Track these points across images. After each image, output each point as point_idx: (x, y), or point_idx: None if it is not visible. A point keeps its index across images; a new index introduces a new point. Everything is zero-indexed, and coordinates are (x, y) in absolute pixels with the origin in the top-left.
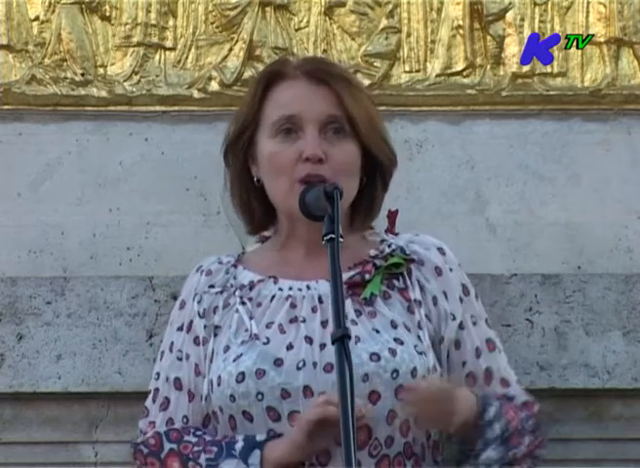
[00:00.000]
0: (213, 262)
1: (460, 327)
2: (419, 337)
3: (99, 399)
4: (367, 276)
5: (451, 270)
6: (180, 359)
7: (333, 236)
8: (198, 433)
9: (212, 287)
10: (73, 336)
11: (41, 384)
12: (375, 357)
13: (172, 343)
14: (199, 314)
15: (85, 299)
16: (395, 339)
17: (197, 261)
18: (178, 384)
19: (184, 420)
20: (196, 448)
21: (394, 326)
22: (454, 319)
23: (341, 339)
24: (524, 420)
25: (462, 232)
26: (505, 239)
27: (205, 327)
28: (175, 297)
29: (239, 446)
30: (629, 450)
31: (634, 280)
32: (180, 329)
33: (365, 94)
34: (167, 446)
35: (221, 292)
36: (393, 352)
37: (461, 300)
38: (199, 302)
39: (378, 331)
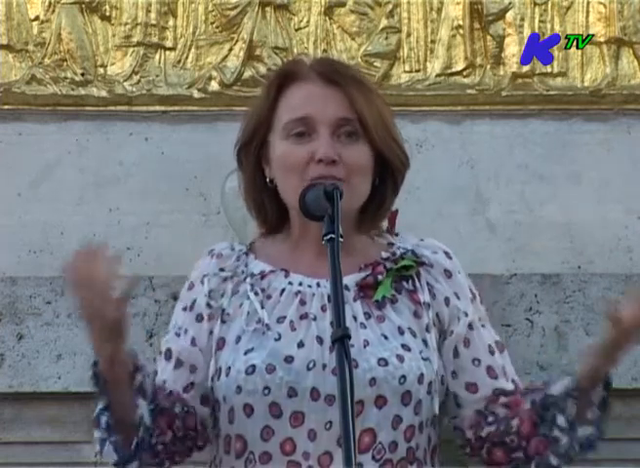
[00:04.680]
0: (225, 247)
1: (470, 327)
2: (424, 342)
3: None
4: (379, 277)
5: (459, 272)
6: (177, 334)
7: (333, 236)
8: None
9: (222, 270)
10: (73, 336)
11: (41, 384)
12: (383, 362)
13: (175, 322)
14: (205, 294)
15: None
16: (402, 346)
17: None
18: (168, 355)
19: (162, 383)
20: None
21: (401, 332)
22: (466, 315)
23: (341, 339)
24: None
25: (462, 232)
26: (505, 239)
27: (208, 304)
28: (175, 297)
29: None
30: (629, 450)
31: (634, 280)
32: (185, 309)
33: (377, 95)
34: None
35: (231, 278)
36: (401, 358)
37: (471, 301)
38: (207, 283)
39: (386, 337)
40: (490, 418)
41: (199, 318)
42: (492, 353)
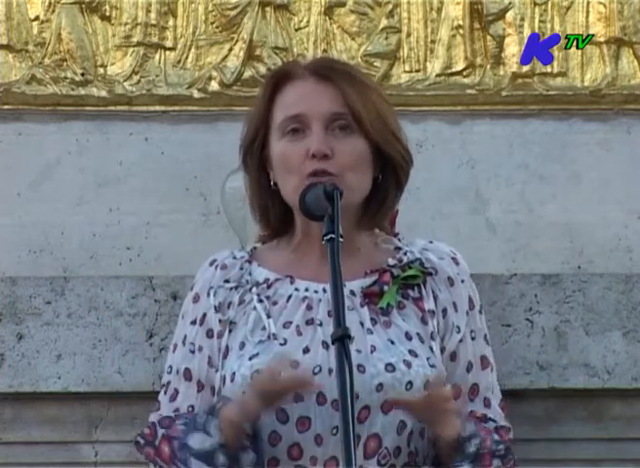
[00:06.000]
0: (227, 256)
1: (460, 340)
2: (431, 349)
3: (99, 399)
4: (385, 288)
5: (462, 281)
6: (192, 351)
7: (333, 236)
8: (189, 416)
9: (227, 281)
10: (73, 336)
11: (41, 384)
12: (390, 368)
13: (185, 336)
14: (215, 308)
15: (85, 299)
16: (410, 351)
17: (197, 261)
18: (187, 375)
19: (190, 409)
20: (181, 428)
21: (409, 337)
22: (458, 332)
23: (341, 339)
24: (495, 443)
25: (462, 232)
26: (505, 239)
27: (220, 321)
28: (175, 297)
29: (202, 418)
30: (629, 450)
31: (634, 280)
32: (194, 322)
33: (374, 90)
34: (159, 432)
35: (236, 288)
36: (408, 364)
37: (467, 314)
38: (214, 296)
39: (393, 343)
40: None
41: (209, 333)
42: (468, 370)
